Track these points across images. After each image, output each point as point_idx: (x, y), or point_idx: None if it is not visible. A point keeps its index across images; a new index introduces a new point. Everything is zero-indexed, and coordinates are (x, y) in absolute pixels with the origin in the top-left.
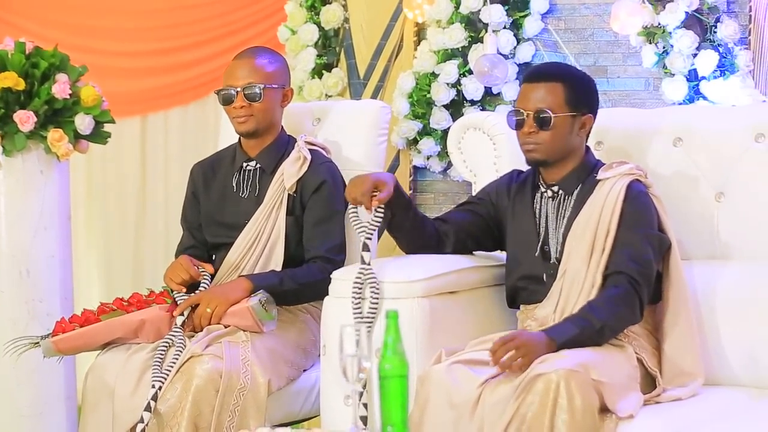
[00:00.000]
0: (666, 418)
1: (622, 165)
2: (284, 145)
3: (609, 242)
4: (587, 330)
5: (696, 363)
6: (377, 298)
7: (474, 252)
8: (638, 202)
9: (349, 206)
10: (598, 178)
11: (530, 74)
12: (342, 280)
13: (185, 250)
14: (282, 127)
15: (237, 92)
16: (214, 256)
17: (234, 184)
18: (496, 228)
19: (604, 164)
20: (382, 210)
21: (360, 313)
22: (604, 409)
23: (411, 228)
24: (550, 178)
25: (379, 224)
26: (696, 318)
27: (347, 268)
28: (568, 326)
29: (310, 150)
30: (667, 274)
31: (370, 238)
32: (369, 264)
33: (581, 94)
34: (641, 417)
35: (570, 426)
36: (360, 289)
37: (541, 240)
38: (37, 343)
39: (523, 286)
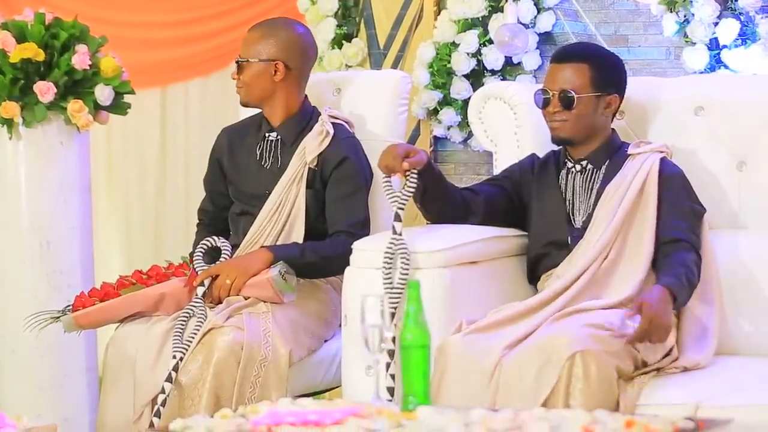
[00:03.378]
0: (687, 388)
1: (650, 143)
2: (307, 117)
3: (648, 215)
4: (687, 290)
5: (714, 331)
6: (407, 268)
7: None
8: (680, 175)
9: (383, 176)
10: (629, 152)
11: (557, 54)
12: (364, 251)
13: (202, 213)
14: (306, 98)
15: (235, 63)
16: (240, 223)
17: (258, 153)
18: (520, 205)
19: (629, 144)
20: (415, 179)
21: (390, 283)
22: (628, 377)
23: (442, 200)
24: (578, 154)
25: (411, 193)
26: (717, 287)
27: (369, 239)
28: (677, 284)
29: (333, 124)
30: None
31: (402, 208)
32: (400, 234)
33: (607, 74)
34: (662, 386)
35: (585, 394)
36: (391, 259)
37: (567, 209)
38: (58, 318)
39: (547, 252)
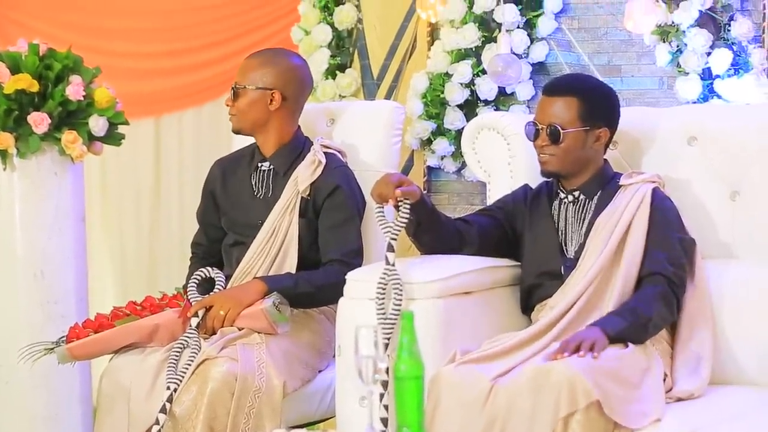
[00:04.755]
0: (682, 418)
1: (642, 173)
2: (300, 147)
3: (637, 244)
4: (635, 325)
5: (707, 361)
6: (400, 299)
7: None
8: (668, 206)
9: (375, 206)
10: (620, 183)
11: (548, 87)
12: (357, 281)
13: (196, 246)
14: (299, 128)
15: (231, 90)
16: (233, 254)
17: (252, 184)
18: (513, 236)
19: (621, 174)
20: (408, 209)
21: (383, 313)
22: None
23: (436, 232)
24: (570, 185)
25: (404, 224)
26: (711, 317)
27: (362, 269)
28: (617, 320)
29: (325, 153)
30: (690, 273)
31: (395, 239)
32: (393, 264)
33: (597, 108)
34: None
35: (584, 426)
36: (384, 289)
37: (560, 240)
38: (52, 349)
39: (540, 283)
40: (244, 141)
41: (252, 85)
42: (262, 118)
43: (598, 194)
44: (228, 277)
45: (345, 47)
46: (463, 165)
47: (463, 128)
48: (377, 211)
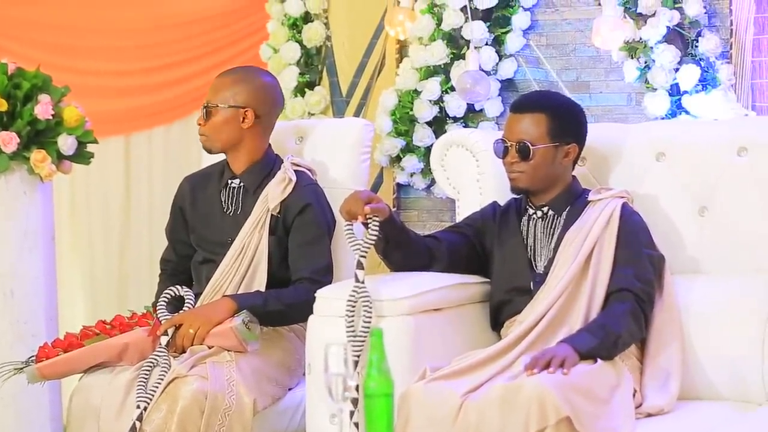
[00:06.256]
0: None
1: (610, 189)
2: (270, 164)
3: (605, 259)
4: (605, 341)
5: (676, 376)
6: (370, 316)
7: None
8: (636, 221)
9: (345, 223)
10: (589, 199)
11: (516, 104)
12: (327, 299)
13: (165, 263)
14: (269, 145)
15: (202, 109)
16: (203, 272)
17: (222, 201)
18: (482, 253)
19: (590, 190)
20: (377, 226)
21: (353, 331)
22: None
23: (405, 249)
24: (539, 201)
25: (373, 241)
26: (680, 332)
27: (332, 287)
28: (587, 337)
29: (296, 171)
30: (659, 289)
31: (364, 256)
32: (362, 282)
33: (565, 124)
34: None
35: None
36: (353, 307)
37: (529, 255)
38: (21, 369)
39: (509, 299)
40: (214, 158)
41: (224, 103)
42: (235, 136)
43: (567, 210)
44: (197, 295)
45: (314, 65)
46: (433, 182)
47: (432, 145)
48: (346, 229)
